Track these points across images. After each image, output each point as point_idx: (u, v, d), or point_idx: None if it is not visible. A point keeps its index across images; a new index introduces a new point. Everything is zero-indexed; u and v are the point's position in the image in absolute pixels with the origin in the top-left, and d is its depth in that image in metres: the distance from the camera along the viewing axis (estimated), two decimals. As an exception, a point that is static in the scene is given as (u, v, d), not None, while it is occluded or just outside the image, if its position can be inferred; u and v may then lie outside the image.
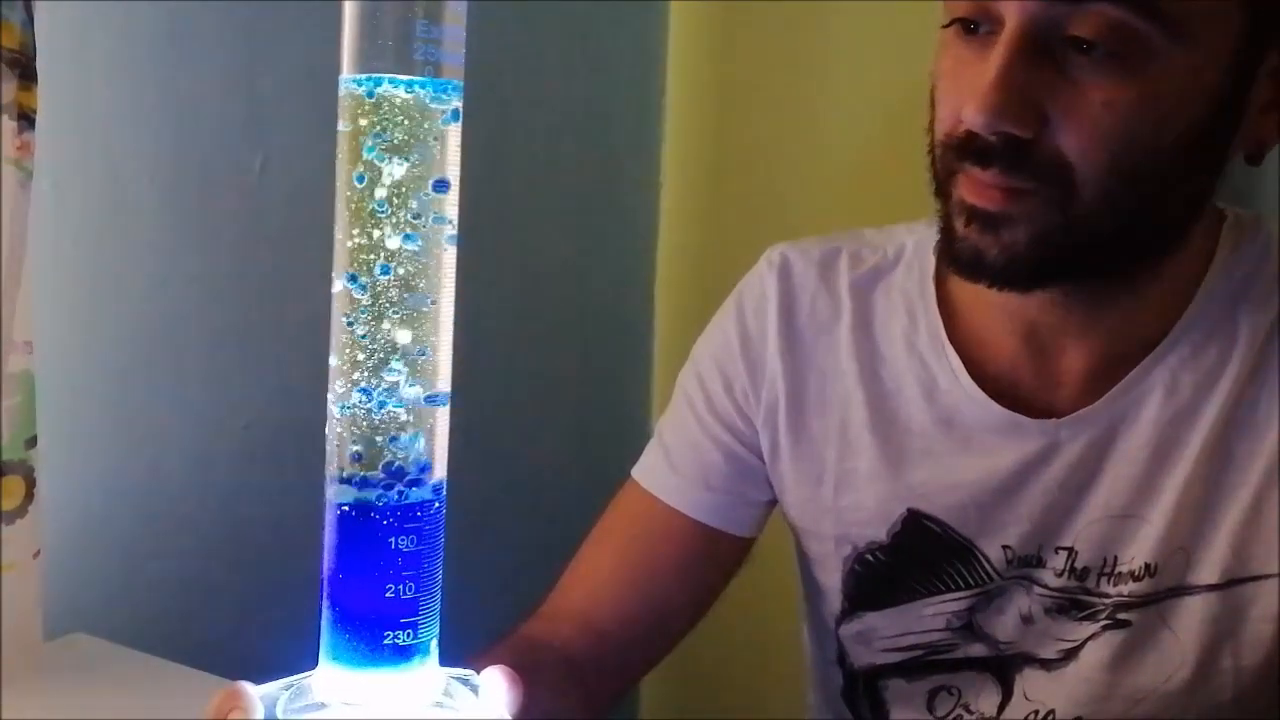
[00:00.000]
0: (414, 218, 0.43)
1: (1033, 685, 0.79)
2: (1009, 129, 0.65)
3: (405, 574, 0.44)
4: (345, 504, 0.44)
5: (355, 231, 0.43)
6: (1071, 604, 0.77)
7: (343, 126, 0.43)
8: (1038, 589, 0.78)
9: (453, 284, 0.45)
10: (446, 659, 0.47)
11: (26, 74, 0.80)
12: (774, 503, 0.86)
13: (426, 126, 0.43)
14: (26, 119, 0.80)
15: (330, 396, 0.45)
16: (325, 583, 0.45)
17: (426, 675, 0.46)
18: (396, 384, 0.44)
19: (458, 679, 0.47)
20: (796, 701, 0.96)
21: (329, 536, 0.45)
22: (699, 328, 0.89)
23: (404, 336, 0.44)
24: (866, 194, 1.30)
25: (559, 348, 1.39)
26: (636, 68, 1.44)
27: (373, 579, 0.44)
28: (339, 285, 0.44)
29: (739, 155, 1.42)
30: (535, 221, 1.34)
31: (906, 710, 0.83)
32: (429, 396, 0.44)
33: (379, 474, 0.44)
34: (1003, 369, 0.77)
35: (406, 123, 0.43)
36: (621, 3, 1.40)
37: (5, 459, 0.82)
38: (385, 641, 0.44)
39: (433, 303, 0.44)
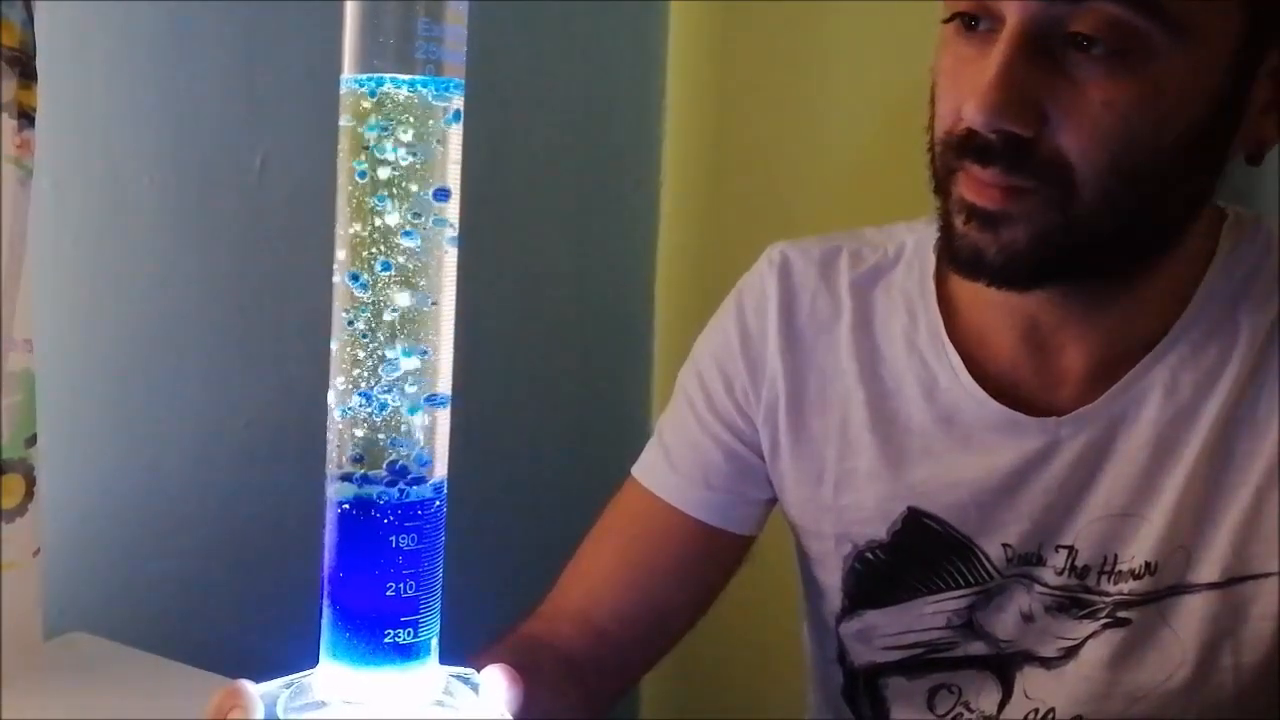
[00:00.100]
0: (414, 217, 0.43)
1: (1033, 683, 0.79)
2: (1009, 127, 0.65)
3: (406, 572, 0.44)
4: (346, 502, 0.44)
5: (356, 230, 0.43)
6: (1072, 602, 0.77)
7: (344, 126, 0.44)
8: (1038, 587, 0.78)
9: (453, 286, 0.45)
10: (446, 658, 0.47)
11: (26, 72, 0.80)
12: (774, 501, 0.86)
13: (428, 126, 0.43)
14: (26, 117, 0.80)
15: (331, 395, 0.45)
16: (326, 581, 0.45)
17: (427, 674, 0.46)
18: (397, 383, 0.44)
19: (458, 677, 0.47)
20: (796, 701, 0.96)
21: (329, 535, 0.45)
22: (699, 328, 0.89)
23: (404, 336, 0.44)
24: (866, 193, 1.30)
25: (559, 348, 1.39)
26: (636, 68, 1.44)
27: (373, 577, 0.44)
28: (340, 284, 0.44)
29: (739, 155, 1.42)
30: (535, 221, 1.34)
31: (907, 709, 0.83)
32: (429, 397, 0.44)
33: (380, 472, 0.44)
34: (1003, 368, 0.77)
35: (408, 122, 0.43)
36: (621, 3, 1.40)
37: (5, 457, 0.82)
38: (386, 640, 0.44)
39: (433, 303, 0.44)
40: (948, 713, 0.82)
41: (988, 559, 0.78)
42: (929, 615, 0.80)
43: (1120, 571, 0.76)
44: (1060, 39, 0.64)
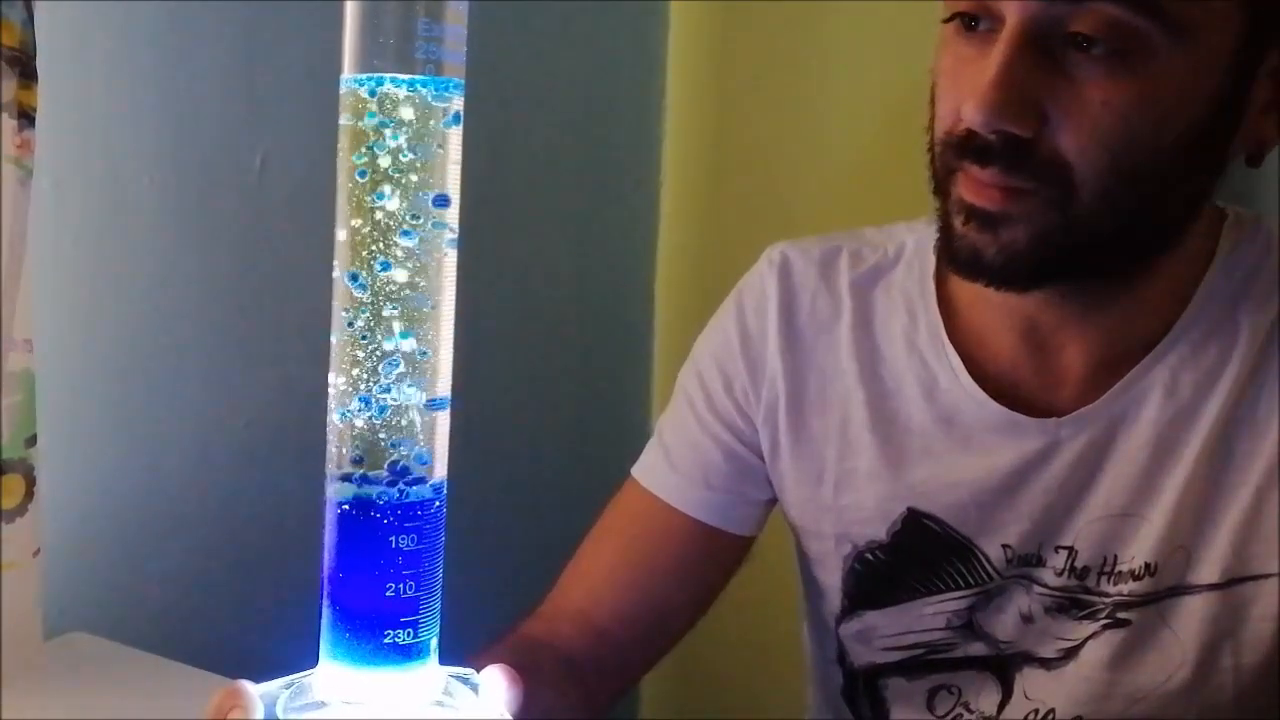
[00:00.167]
0: (413, 218, 0.43)
1: (1033, 684, 0.79)
2: (1008, 128, 0.65)
3: (405, 573, 0.44)
4: (345, 502, 0.44)
5: (355, 231, 0.43)
6: (1071, 603, 0.77)
7: (344, 126, 0.44)
8: (1038, 588, 0.78)
9: (453, 288, 0.45)
10: (446, 658, 0.47)
11: (26, 72, 0.80)
12: (774, 502, 0.86)
13: (428, 126, 0.43)
14: (26, 117, 0.80)
15: (330, 395, 0.45)
16: (325, 581, 0.45)
17: (426, 674, 0.46)
18: (396, 384, 0.44)
19: (458, 678, 0.47)
20: (796, 701, 0.96)
21: (329, 535, 0.45)
22: (699, 328, 0.89)
23: (404, 337, 0.44)
24: (866, 193, 1.30)
25: (559, 348, 1.39)
26: (636, 68, 1.44)
27: (373, 578, 0.44)
28: (339, 284, 0.44)
29: (739, 155, 1.42)
30: (535, 221, 1.34)
31: (906, 709, 0.83)
32: (429, 398, 0.44)
33: (380, 472, 0.44)
34: (1003, 368, 0.77)
35: (407, 122, 0.43)
36: (621, 3, 1.40)
37: (5, 458, 0.82)
38: (385, 640, 0.44)
39: (433, 304, 0.44)
40: (947, 713, 0.82)
41: (987, 560, 0.78)
42: (929, 616, 0.80)
43: (1120, 572, 0.76)
44: (1060, 39, 0.64)
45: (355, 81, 0.43)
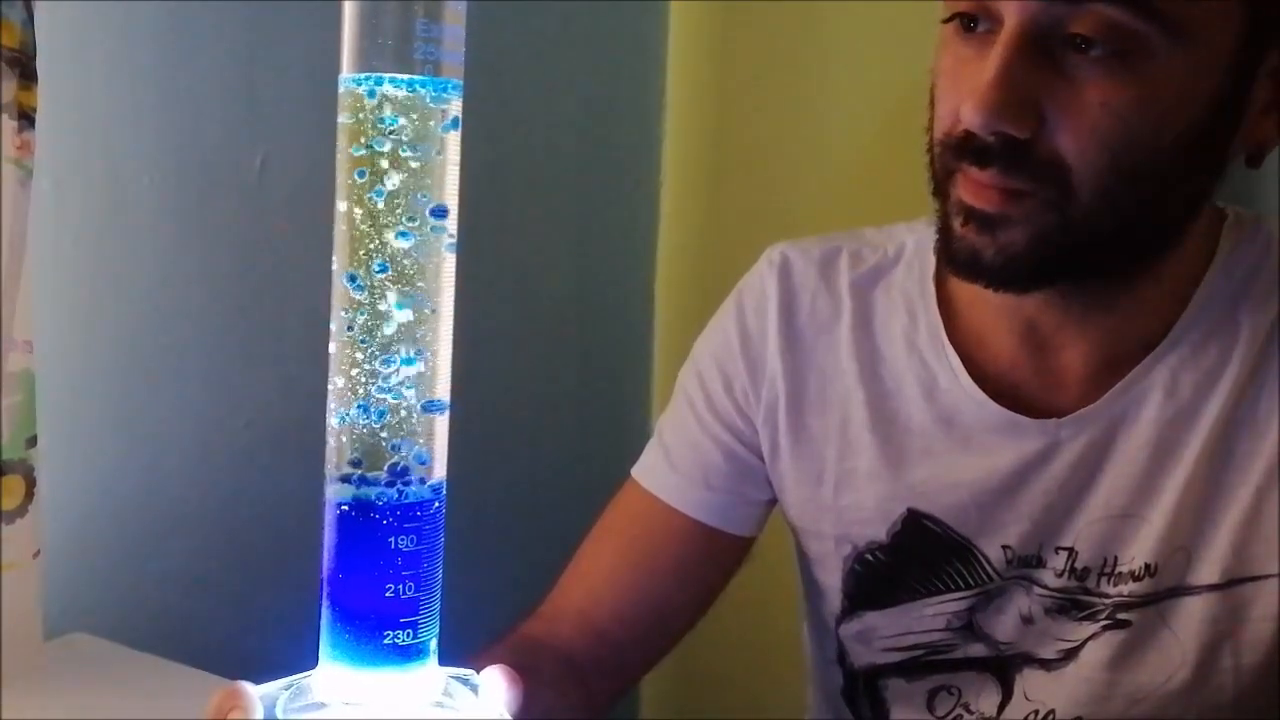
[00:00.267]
0: (410, 220, 0.43)
1: (1033, 685, 0.79)
2: (1006, 129, 0.64)
3: (405, 574, 0.44)
4: (345, 503, 0.44)
5: (354, 232, 0.43)
6: (1071, 604, 0.77)
7: (342, 128, 0.43)
8: (1037, 589, 0.78)
9: (452, 289, 0.45)
10: (446, 659, 0.47)
11: (26, 73, 0.80)
12: (774, 502, 0.86)
13: (426, 127, 0.43)
14: (26, 118, 0.80)
15: (329, 396, 0.45)
16: (325, 582, 0.45)
17: (426, 675, 0.46)
18: (395, 386, 0.44)
19: (457, 679, 0.47)
20: (796, 701, 0.96)
21: (329, 536, 0.45)
22: (699, 328, 0.89)
23: (403, 339, 0.44)
24: (866, 194, 1.30)
25: (559, 348, 1.39)
26: (636, 68, 1.44)
27: (372, 578, 0.44)
28: (338, 285, 0.44)
29: (739, 155, 1.42)
30: (535, 221, 1.34)
31: (906, 710, 0.83)
32: (428, 400, 0.44)
33: (379, 474, 0.44)
34: (1003, 368, 0.77)
35: (406, 123, 0.43)
36: (621, 3, 1.40)
37: (5, 458, 0.82)
38: (385, 641, 0.45)
39: (431, 305, 0.44)
40: (947, 714, 0.82)
41: (987, 561, 0.78)
42: (929, 617, 0.80)
43: (1120, 573, 0.76)
44: (1059, 40, 0.64)
45: (354, 82, 0.43)
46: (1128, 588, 0.76)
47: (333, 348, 0.44)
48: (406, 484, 0.44)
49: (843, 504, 0.81)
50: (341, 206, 0.44)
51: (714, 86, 1.44)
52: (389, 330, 0.44)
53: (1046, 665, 0.79)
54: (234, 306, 1.04)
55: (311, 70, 1.04)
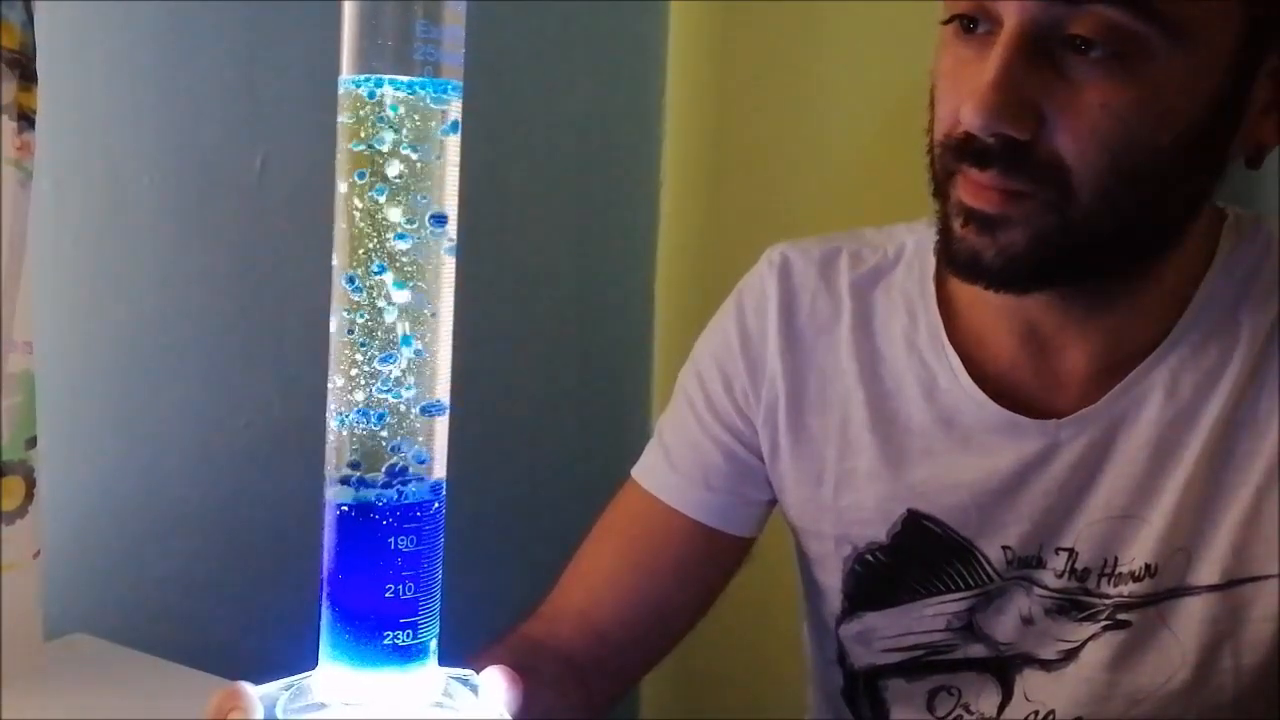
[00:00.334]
0: (409, 222, 0.43)
1: (1033, 686, 0.79)
2: (1006, 130, 0.64)
3: (405, 574, 0.44)
4: (345, 504, 0.44)
5: (354, 233, 0.43)
6: (1071, 604, 0.77)
7: (341, 128, 0.43)
8: (1038, 590, 0.78)
9: (452, 291, 0.45)
10: (446, 659, 0.47)
11: (26, 74, 0.80)
12: (774, 502, 0.86)
13: (426, 128, 0.43)
14: (26, 119, 0.80)
15: (329, 397, 0.45)
16: (325, 582, 0.45)
17: (426, 675, 0.46)
18: (395, 387, 0.44)
19: (457, 679, 0.47)
20: (796, 701, 0.96)
21: (328, 536, 0.45)
22: (699, 328, 0.89)
23: (403, 341, 0.44)
24: (866, 194, 1.30)
25: (559, 347, 1.39)
26: (636, 68, 1.44)
27: (372, 579, 0.44)
28: (338, 287, 0.44)
29: (739, 155, 1.42)
30: (535, 221, 1.34)
31: (906, 710, 0.83)
32: (428, 401, 0.44)
33: (378, 475, 0.44)
34: (1003, 369, 0.77)
35: (406, 124, 0.43)
36: (621, 3, 1.40)
37: (5, 459, 0.82)
38: (385, 641, 0.45)
39: (431, 307, 0.44)
40: (947, 714, 0.82)
41: (988, 561, 0.78)
42: (929, 617, 0.80)
43: (1120, 574, 0.76)
44: (1058, 41, 0.64)
45: (353, 83, 0.43)
46: (1128, 588, 0.76)
47: (332, 348, 0.45)
48: (406, 485, 0.44)
49: (843, 504, 0.81)
50: (340, 208, 0.44)
51: (714, 86, 1.44)
52: (388, 331, 0.44)
53: (1046, 666, 0.79)
54: (234, 306, 1.04)
55: (311, 70, 1.04)
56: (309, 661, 0.46)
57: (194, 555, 1.03)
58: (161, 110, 0.97)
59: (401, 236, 0.43)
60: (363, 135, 0.43)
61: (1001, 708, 0.80)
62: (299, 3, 1.04)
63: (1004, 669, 0.80)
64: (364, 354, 0.44)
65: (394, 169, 0.43)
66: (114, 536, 0.97)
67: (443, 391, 0.45)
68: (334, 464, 0.45)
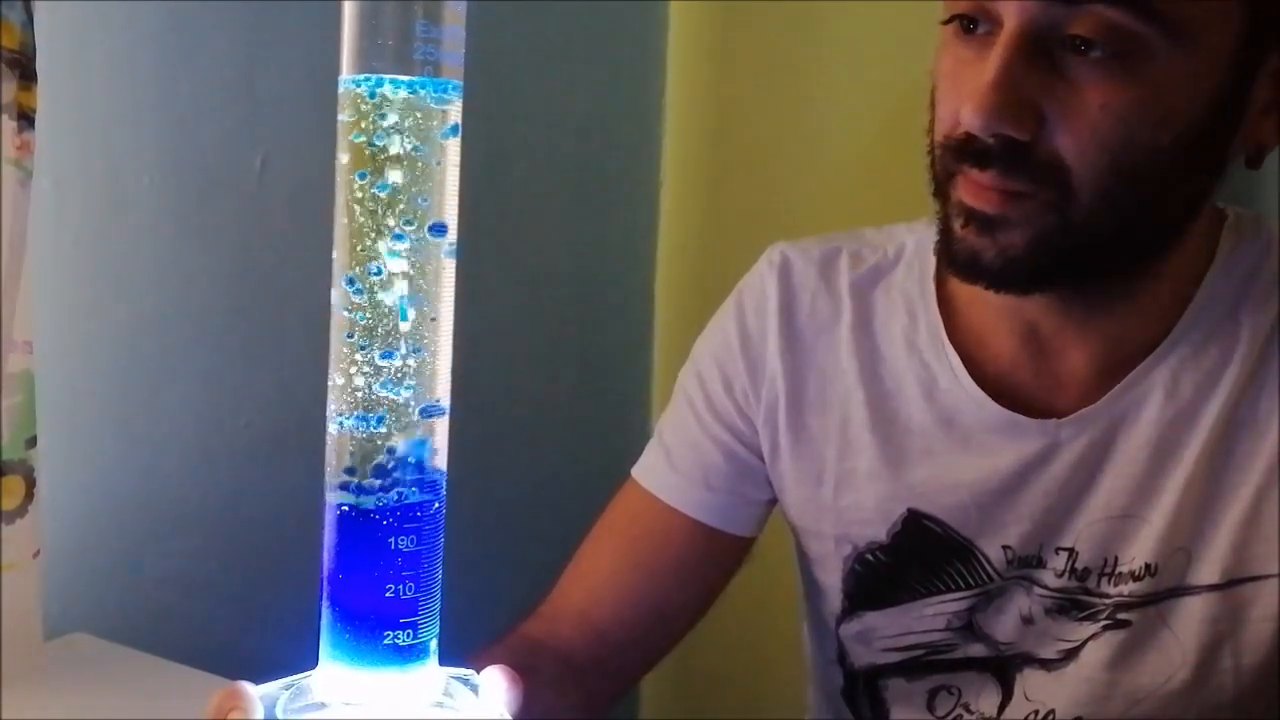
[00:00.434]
0: (408, 223, 0.43)
1: (1033, 685, 0.79)
2: (1006, 131, 0.64)
3: (405, 574, 0.44)
4: (345, 504, 0.44)
5: (353, 235, 0.43)
6: (1072, 604, 0.77)
7: (342, 128, 0.43)
8: (1038, 589, 0.78)
9: (451, 294, 0.45)
10: (446, 659, 0.47)
11: (26, 74, 0.80)
12: (774, 502, 0.86)
13: (427, 128, 0.43)
14: (26, 119, 0.80)
15: (330, 398, 0.45)
16: (325, 582, 0.45)
17: (426, 675, 0.46)
18: (395, 389, 0.44)
19: (458, 679, 0.47)
20: (796, 701, 0.96)
21: (329, 536, 0.45)
22: (699, 328, 0.89)
23: (402, 341, 0.44)
24: (866, 194, 1.30)
25: (559, 348, 1.39)
26: (636, 68, 1.44)
27: (373, 579, 0.44)
28: (337, 288, 0.44)
29: (739, 155, 1.42)
30: (535, 221, 1.34)
31: (906, 710, 0.83)
32: (428, 403, 0.44)
33: (378, 475, 0.44)
34: (1003, 369, 0.77)
35: (406, 124, 0.43)
36: (621, 3, 1.40)
37: (5, 459, 0.82)
38: (385, 641, 0.45)
39: (431, 308, 0.44)
40: (948, 714, 0.82)
41: (988, 561, 0.78)
42: (929, 617, 0.80)
43: (1120, 573, 0.76)
44: (1058, 42, 0.64)
45: (353, 82, 0.43)
46: (1128, 588, 0.76)
47: (333, 349, 0.44)
48: (406, 485, 0.44)
49: (843, 504, 0.81)
50: (340, 208, 0.44)
51: (714, 86, 1.44)
52: (388, 332, 0.44)
53: (1047, 665, 0.79)
54: (234, 306, 1.04)
55: (311, 70, 1.04)
56: (309, 661, 0.46)
57: (194, 555, 1.03)
58: (161, 110, 0.97)
59: (401, 237, 0.43)
60: (363, 135, 0.43)
61: (1001, 707, 0.80)
62: (299, 3, 1.04)
63: (1004, 668, 0.80)
64: (364, 354, 0.44)
65: (394, 169, 0.43)
66: (114, 536, 0.97)
67: (443, 392, 0.45)
68: (334, 465, 0.45)
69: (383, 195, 0.43)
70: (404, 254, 0.43)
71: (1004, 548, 0.77)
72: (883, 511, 0.80)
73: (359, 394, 0.44)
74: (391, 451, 0.44)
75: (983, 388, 0.77)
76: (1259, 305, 0.74)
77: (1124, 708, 0.77)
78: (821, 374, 0.82)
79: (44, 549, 0.86)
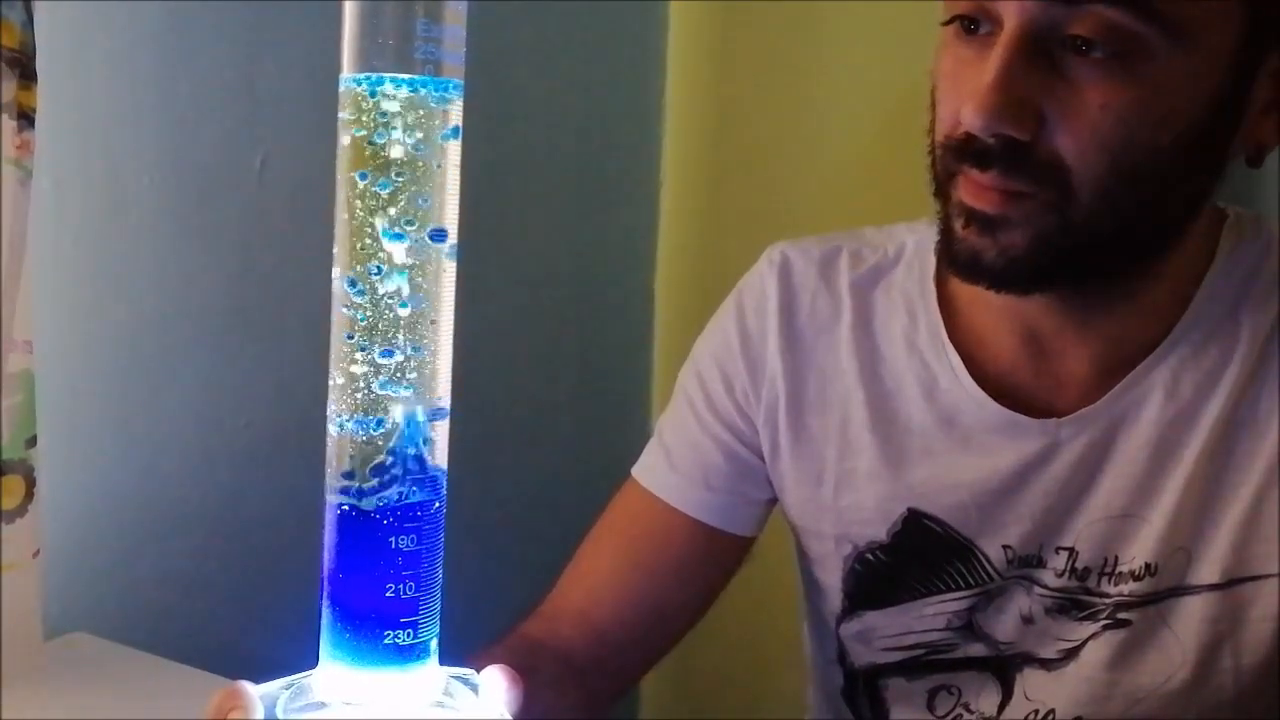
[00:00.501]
0: (409, 223, 0.43)
1: (1033, 685, 0.79)
2: (1007, 131, 0.64)
3: (405, 573, 0.44)
4: (345, 504, 0.44)
5: (353, 235, 0.43)
6: (1072, 604, 0.77)
7: (342, 128, 0.43)
8: (1038, 589, 0.78)
9: (452, 295, 0.45)
10: (446, 659, 0.47)
11: (26, 73, 0.80)
12: (774, 502, 0.86)
13: (428, 128, 0.43)
14: (26, 118, 0.80)
15: (330, 398, 0.45)
16: (325, 582, 0.45)
17: (426, 675, 0.46)
18: (394, 389, 0.44)
19: (458, 678, 0.47)
20: (796, 701, 0.96)
21: (329, 536, 0.45)
22: (699, 328, 0.89)
23: (403, 342, 0.44)
24: (866, 194, 1.30)
25: (559, 348, 1.39)
26: (636, 68, 1.44)
27: (373, 578, 0.44)
28: (337, 288, 0.44)
29: (739, 155, 1.42)
30: (535, 221, 1.34)
31: (906, 709, 0.83)
32: (428, 404, 0.44)
33: (378, 475, 0.44)
34: (1003, 369, 0.77)
35: (406, 123, 0.43)
36: (621, 3, 1.40)
37: (5, 459, 0.82)
38: (385, 641, 0.44)
39: (432, 316, 0.44)
40: (948, 714, 0.82)
41: (988, 560, 0.78)
42: (929, 616, 0.80)
43: (1120, 573, 0.76)
44: (1058, 42, 0.64)
45: (354, 81, 0.43)
46: (1128, 587, 0.76)
47: (333, 349, 0.44)
48: (406, 484, 0.44)
49: (843, 504, 0.81)
50: (341, 208, 0.44)
51: (714, 86, 1.44)
52: (388, 332, 0.44)
53: (1047, 665, 0.79)
54: (234, 306, 1.04)
55: (311, 70, 1.04)
56: (309, 661, 0.46)
57: (194, 555, 1.03)
58: (161, 110, 0.97)
59: (402, 237, 0.43)
60: (364, 134, 0.43)
61: (1001, 707, 0.80)
62: (299, 3, 1.04)
63: (1004, 668, 0.80)
64: (364, 355, 0.44)
65: (395, 168, 0.43)
66: (114, 536, 0.97)
67: (443, 392, 0.45)
68: (334, 464, 0.45)
69: (383, 194, 0.43)
70: (404, 254, 0.43)
71: (1004, 547, 0.77)
72: (883, 511, 0.80)
73: (359, 394, 0.44)
74: (392, 451, 0.44)
75: (983, 387, 0.77)
76: (1259, 305, 0.74)
77: (1124, 707, 0.77)
78: (821, 374, 0.82)
79: (44, 549, 0.86)
